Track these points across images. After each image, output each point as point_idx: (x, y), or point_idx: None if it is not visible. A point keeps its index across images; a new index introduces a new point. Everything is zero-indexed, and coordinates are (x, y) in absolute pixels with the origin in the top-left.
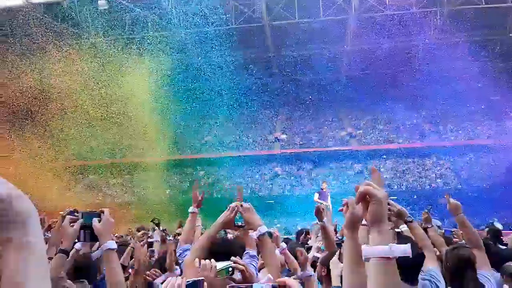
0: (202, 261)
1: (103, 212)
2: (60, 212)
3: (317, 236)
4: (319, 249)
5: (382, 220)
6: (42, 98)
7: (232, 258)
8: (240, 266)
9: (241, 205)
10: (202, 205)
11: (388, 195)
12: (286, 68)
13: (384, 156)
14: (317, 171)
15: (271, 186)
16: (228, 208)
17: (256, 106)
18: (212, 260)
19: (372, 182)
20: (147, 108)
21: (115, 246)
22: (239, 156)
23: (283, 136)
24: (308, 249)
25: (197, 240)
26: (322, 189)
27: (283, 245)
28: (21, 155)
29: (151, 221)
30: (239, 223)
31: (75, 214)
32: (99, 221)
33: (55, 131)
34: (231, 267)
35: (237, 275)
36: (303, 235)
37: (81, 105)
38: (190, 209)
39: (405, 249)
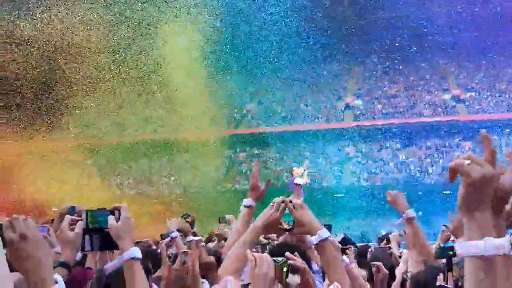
0: (257, 255)
1: (117, 209)
2: (54, 209)
3: (399, 244)
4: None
5: (476, 208)
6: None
7: (288, 254)
8: (300, 264)
9: (290, 201)
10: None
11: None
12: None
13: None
14: (407, 151)
15: (340, 173)
16: (272, 204)
17: (319, 61)
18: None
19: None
20: (192, 78)
21: (139, 254)
22: (294, 131)
23: (357, 103)
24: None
25: (230, 250)
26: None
27: (345, 258)
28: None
29: (182, 216)
30: (286, 224)
31: (75, 212)
32: (116, 220)
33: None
34: (287, 264)
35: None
36: (383, 242)
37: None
38: (245, 202)
39: (501, 245)
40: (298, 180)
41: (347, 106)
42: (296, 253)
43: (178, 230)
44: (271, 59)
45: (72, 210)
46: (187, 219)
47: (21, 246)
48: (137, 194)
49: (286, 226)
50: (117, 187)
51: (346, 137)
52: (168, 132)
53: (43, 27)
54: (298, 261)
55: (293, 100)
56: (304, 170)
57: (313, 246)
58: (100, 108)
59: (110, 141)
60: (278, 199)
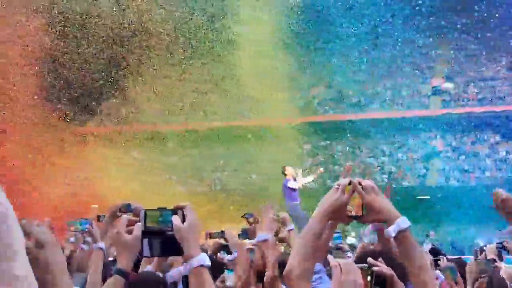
0: (341, 260)
1: (180, 208)
2: (93, 206)
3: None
4: None
5: None
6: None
7: (371, 260)
8: (386, 271)
9: (360, 183)
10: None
11: None
12: None
13: None
14: (509, 145)
15: (425, 171)
16: (336, 187)
17: (400, 35)
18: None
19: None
20: (265, 58)
21: (209, 261)
22: (369, 119)
23: (447, 86)
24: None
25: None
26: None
27: (439, 274)
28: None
29: (243, 216)
30: (350, 212)
31: (131, 210)
32: (182, 221)
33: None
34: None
35: None
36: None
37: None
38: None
39: None
40: (291, 184)
41: (434, 90)
42: (380, 259)
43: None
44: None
45: (127, 208)
46: (249, 219)
47: (38, 254)
48: (193, 187)
49: (354, 213)
50: (176, 182)
51: (432, 127)
52: (237, 119)
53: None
54: (383, 267)
55: (368, 82)
56: (297, 173)
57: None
58: (166, 94)
59: (174, 129)
60: (344, 181)
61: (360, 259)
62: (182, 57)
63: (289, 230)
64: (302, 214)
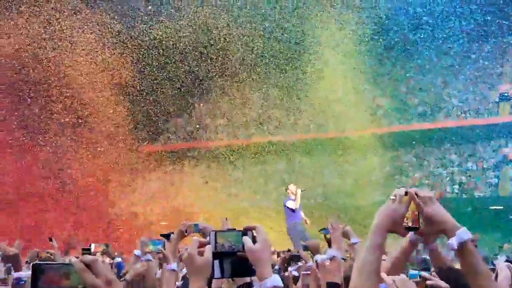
0: (396, 277)
1: (251, 229)
2: (163, 223)
3: None
4: None
5: None
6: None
7: (424, 274)
8: (441, 285)
9: (416, 193)
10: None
11: None
12: None
13: None
14: None
15: (496, 180)
16: (393, 197)
17: (466, 40)
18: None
19: None
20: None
21: (281, 283)
22: (436, 129)
23: None
24: None
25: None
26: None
27: None
28: None
29: (320, 231)
30: (407, 224)
31: (198, 230)
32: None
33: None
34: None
35: None
36: None
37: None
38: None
39: None
40: (290, 204)
41: (502, 97)
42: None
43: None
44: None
45: (195, 228)
46: (326, 235)
47: None
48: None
49: (411, 224)
50: (242, 197)
51: (502, 134)
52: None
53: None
54: (436, 281)
55: (433, 90)
56: (296, 193)
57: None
58: (230, 110)
59: (238, 144)
60: (400, 191)
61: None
62: (247, 74)
63: (353, 244)
64: (301, 233)
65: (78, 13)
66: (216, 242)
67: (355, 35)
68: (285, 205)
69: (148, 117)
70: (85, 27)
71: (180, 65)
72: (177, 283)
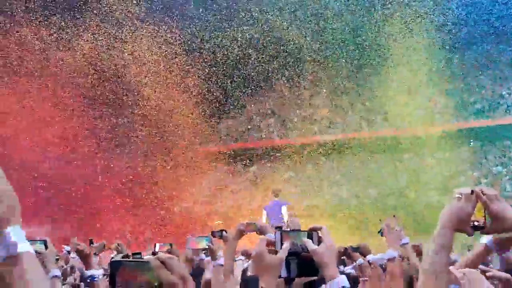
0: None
1: (315, 230)
2: (217, 222)
3: None
4: None
5: None
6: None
7: (482, 267)
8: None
9: (482, 191)
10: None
11: None
12: None
13: None
14: None
15: None
16: (458, 196)
17: None
18: None
19: None
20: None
21: (348, 283)
22: (493, 126)
23: None
24: None
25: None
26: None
27: None
28: None
29: (379, 232)
30: (474, 223)
31: (258, 229)
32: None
33: None
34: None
35: None
36: None
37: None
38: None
39: None
40: (284, 210)
41: None
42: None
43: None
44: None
45: (255, 227)
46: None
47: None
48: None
49: (477, 223)
50: (297, 197)
51: None
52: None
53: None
54: (495, 272)
55: (490, 86)
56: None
57: None
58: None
59: (289, 143)
60: (465, 190)
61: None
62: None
63: (404, 244)
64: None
65: (142, 26)
66: (281, 242)
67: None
68: (279, 207)
69: (204, 118)
70: (150, 38)
71: (232, 64)
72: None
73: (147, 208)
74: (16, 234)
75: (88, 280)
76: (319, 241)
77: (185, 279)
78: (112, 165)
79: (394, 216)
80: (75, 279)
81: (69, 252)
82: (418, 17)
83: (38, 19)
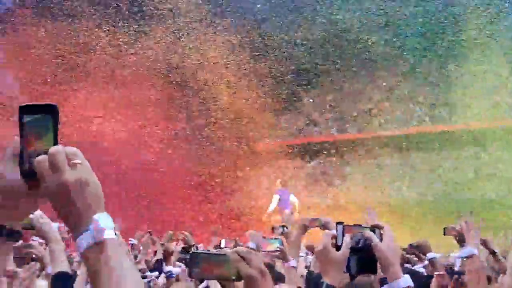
0: None
1: (378, 227)
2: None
3: None
4: None
5: None
6: None
7: None
8: None
9: None
10: None
11: None
12: None
13: None
14: None
15: None
16: None
17: None
18: None
19: None
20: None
21: (412, 283)
22: None
23: None
24: None
25: None
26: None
27: None
28: None
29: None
30: None
31: (322, 225)
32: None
33: None
34: None
35: None
36: None
37: None
38: None
39: None
40: (292, 198)
41: None
42: None
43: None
44: None
45: (318, 222)
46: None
47: (261, 283)
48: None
49: None
50: (353, 193)
51: None
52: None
53: None
54: None
55: None
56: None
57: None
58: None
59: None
60: None
61: None
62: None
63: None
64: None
65: (210, 25)
66: (343, 237)
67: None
68: (286, 195)
69: (266, 114)
70: (217, 38)
71: (289, 58)
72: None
73: (212, 203)
74: (104, 220)
75: (166, 275)
76: (381, 239)
77: (264, 274)
78: (180, 163)
79: (471, 212)
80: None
81: (132, 246)
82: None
83: (110, 24)
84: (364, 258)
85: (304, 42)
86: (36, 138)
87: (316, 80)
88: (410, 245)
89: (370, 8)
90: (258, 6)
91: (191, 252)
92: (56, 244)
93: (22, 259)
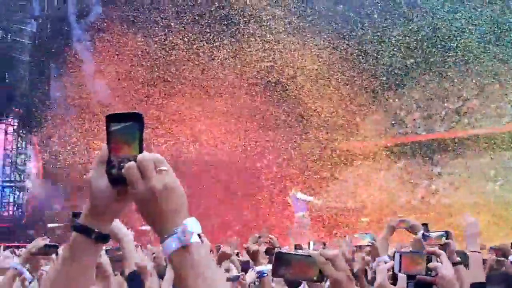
0: None
1: (436, 254)
2: (363, 219)
3: None
4: None
5: None
6: None
7: None
8: None
9: None
10: None
11: None
12: None
13: None
14: None
15: None
16: None
17: None
18: None
19: None
20: None
21: None
22: None
23: None
24: None
25: None
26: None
27: None
28: None
29: None
30: None
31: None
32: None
33: None
34: None
35: None
36: None
37: None
38: None
39: None
40: (300, 195)
41: None
42: None
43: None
44: None
45: (406, 224)
46: None
47: (348, 286)
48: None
49: None
50: (442, 194)
51: None
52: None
53: None
54: None
55: None
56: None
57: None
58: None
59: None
60: None
61: None
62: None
63: None
64: (307, 225)
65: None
66: (400, 265)
67: None
68: (295, 197)
69: (351, 114)
70: (308, 46)
71: (379, 58)
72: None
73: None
74: (192, 225)
75: (257, 276)
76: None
77: (350, 277)
78: (270, 164)
79: None
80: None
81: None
82: None
83: (204, 39)
84: (420, 285)
85: (394, 43)
86: (123, 145)
87: (402, 79)
88: (492, 247)
89: (458, 8)
90: (350, 14)
91: (276, 252)
92: (128, 243)
93: (118, 262)
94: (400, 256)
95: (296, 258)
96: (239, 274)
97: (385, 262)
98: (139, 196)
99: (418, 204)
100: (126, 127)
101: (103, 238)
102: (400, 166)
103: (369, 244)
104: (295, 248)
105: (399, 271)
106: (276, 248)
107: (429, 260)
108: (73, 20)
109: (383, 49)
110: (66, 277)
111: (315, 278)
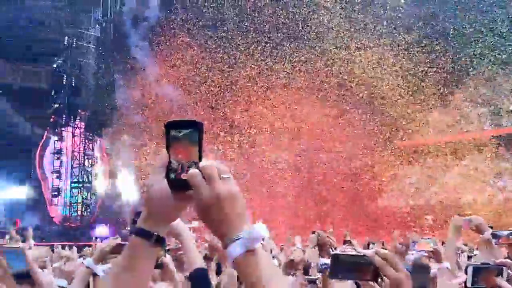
0: None
1: (505, 265)
2: (427, 217)
3: None
4: None
5: None
6: None
7: None
8: None
9: None
10: None
11: None
12: None
13: None
14: None
15: None
16: None
17: None
18: None
19: None
20: None
21: None
22: None
23: None
24: None
25: None
26: None
27: None
28: None
29: None
30: None
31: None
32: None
33: None
34: None
35: None
36: None
37: None
38: None
39: None
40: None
41: None
42: None
43: None
44: None
45: (471, 223)
46: None
47: (407, 287)
48: None
49: None
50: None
51: None
52: None
53: None
54: None
55: None
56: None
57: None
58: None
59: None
60: None
61: None
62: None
63: None
64: None
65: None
66: (473, 279)
67: None
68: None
69: (412, 110)
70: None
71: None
72: None
73: (362, 202)
74: (259, 229)
75: (322, 268)
76: (508, 278)
77: (408, 277)
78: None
79: None
80: None
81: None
82: None
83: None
84: None
85: (456, 36)
86: (183, 151)
87: (468, 73)
88: None
89: None
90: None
91: (332, 254)
92: (190, 241)
93: (180, 262)
94: (473, 269)
95: (350, 259)
96: (315, 277)
97: (447, 268)
98: (204, 202)
99: (485, 201)
100: (186, 134)
101: (161, 241)
102: (466, 162)
103: (432, 250)
104: (344, 244)
105: (472, 284)
106: (330, 249)
107: (499, 273)
108: (131, 24)
109: (448, 41)
110: (126, 280)
111: (368, 278)
